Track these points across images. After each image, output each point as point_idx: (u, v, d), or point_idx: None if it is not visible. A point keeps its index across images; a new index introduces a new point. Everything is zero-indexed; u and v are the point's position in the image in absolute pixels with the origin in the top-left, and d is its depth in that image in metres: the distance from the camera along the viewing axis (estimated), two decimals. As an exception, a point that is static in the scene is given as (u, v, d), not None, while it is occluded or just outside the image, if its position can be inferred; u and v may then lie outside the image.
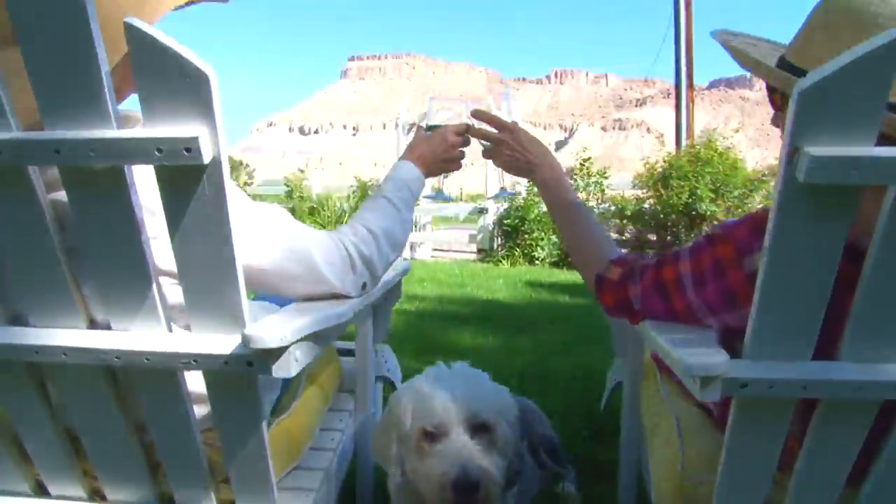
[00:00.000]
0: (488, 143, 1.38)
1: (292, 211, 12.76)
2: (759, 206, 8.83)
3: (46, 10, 0.71)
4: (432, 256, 11.87)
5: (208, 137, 0.75)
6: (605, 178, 9.91)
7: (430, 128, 1.41)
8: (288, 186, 13.13)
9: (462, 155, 1.39)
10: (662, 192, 8.54)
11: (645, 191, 9.22)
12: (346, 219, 11.69)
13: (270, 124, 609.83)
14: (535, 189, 8.89)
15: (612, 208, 9.60)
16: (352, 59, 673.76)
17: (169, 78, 0.73)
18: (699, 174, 8.34)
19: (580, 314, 4.54)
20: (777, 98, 0.98)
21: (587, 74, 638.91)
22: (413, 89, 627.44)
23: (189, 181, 0.78)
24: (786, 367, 0.84)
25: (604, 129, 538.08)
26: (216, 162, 0.77)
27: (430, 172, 1.35)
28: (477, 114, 1.39)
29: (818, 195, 0.73)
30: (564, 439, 2.07)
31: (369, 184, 12.08)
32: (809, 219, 0.75)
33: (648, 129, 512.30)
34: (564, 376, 2.84)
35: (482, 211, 10.40)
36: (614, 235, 9.75)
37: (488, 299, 5.38)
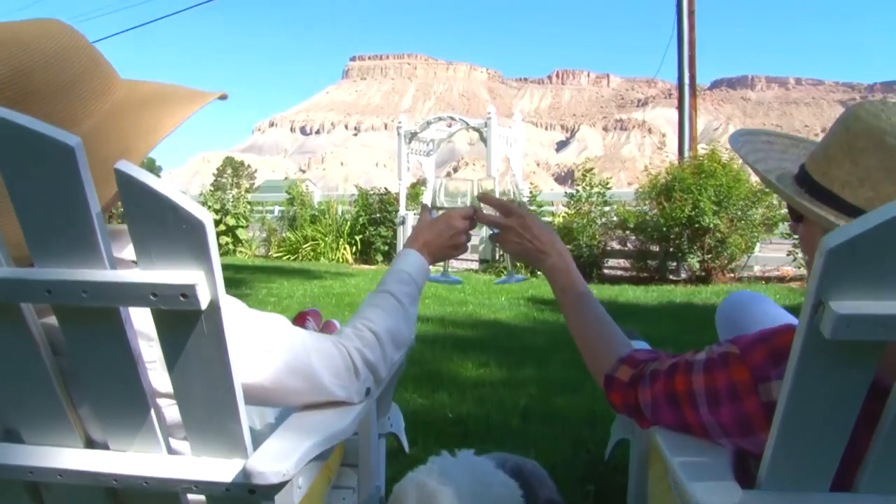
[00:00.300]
0: (496, 228, 1.35)
1: (293, 219, 12.75)
2: (760, 215, 8.84)
3: (34, 155, 0.68)
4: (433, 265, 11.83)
5: (205, 282, 0.72)
6: (608, 188, 9.87)
7: (436, 208, 1.38)
8: (289, 194, 13.11)
9: (469, 238, 1.36)
10: (665, 204, 8.50)
11: (648, 202, 9.18)
12: (346, 228, 11.69)
13: (272, 124, 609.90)
14: (536, 200, 8.81)
15: (615, 219, 9.58)
16: (353, 58, 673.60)
17: (163, 224, 0.70)
18: (702, 187, 8.31)
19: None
20: (796, 211, 0.95)
21: (588, 75, 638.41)
22: (414, 89, 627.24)
23: (186, 323, 0.75)
24: (802, 498, 0.81)
25: (605, 129, 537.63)
26: (214, 305, 0.74)
27: (435, 259, 1.32)
28: (484, 198, 1.35)
29: (842, 348, 0.70)
30: (567, 493, 2.04)
31: (370, 193, 12.04)
32: (832, 369, 0.72)
33: (650, 130, 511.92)
34: (570, 418, 2.81)
35: (484, 221, 10.34)
36: (616, 245, 9.73)
37: (491, 320, 5.35)
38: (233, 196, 13.25)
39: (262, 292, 6.64)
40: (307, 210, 12.57)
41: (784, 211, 8.97)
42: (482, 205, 1.35)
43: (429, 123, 11.18)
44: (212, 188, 13.72)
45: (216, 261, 0.72)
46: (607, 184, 9.87)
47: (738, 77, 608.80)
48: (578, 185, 9.83)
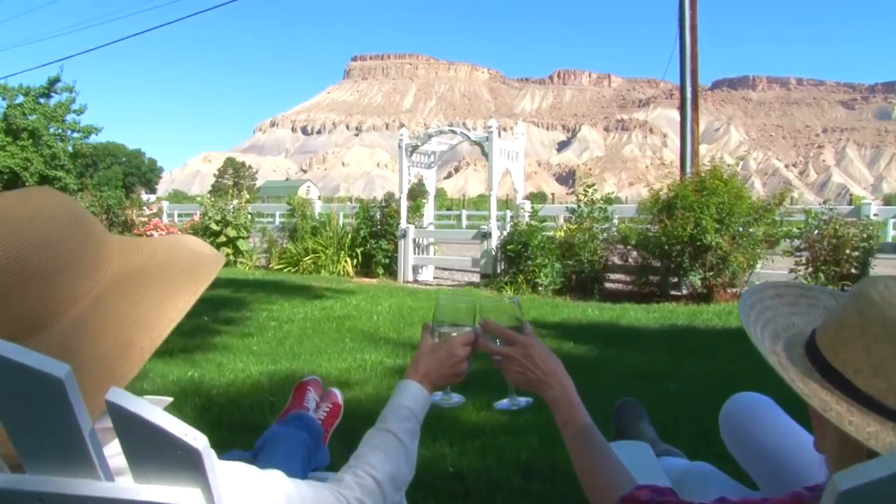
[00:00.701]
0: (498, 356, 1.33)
1: (294, 230, 12.72)
2: (762, 231, 8.80)
3: (24, 386, 0.66)
4: (435, 277, 11.83)
5: (202, 500, 0.70)
6: (610, 204, 9.86)
7: (438, 334, 1.36)
8: (290, 205, 13.09)
9: (469, 362, 1.34)
10: (667, 221, 8.48)
11: (650, 217, 9.16)
12: (347, 240, 11.66)
13: (273, 124, 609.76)
14: (538, 216, 8.79)
15: (617, 235, 9.56)
16: (355, 58, 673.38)
17: (158, 449, 0.68)
18: (704, 205, 8.29)
19: (588, 369, 4.47)
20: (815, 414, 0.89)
21: (590, 75, 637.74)
22: (416, 89, 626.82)
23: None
24: None
25: (606, 129, 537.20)
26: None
27: (435, 388, 1.31)
28: (486, 325, 1.34)
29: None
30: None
31: (372, 205, 12.02)
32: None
33: (651, 130, 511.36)
34: (573, 475, 2.77)
35: (485, 235, 10.34)
36: (618, 260, 9.70)
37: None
38: (234, 207, 13.23)
39: (263, 315, 6.62)
40: (308, 222, 12.55)
41: (785, 228, 8.95)
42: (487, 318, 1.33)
43: (430, 136, 11.17)
44: (211, 199, 13.69)
45: (214, 480, 0.70)
46: (609, 199, 9.85)
47: (739, 77, 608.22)
48: (581, 199, 9.81)
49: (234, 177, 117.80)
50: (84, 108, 20.48)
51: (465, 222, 32.40)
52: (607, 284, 9.85)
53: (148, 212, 16.62)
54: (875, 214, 8.49)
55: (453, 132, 11.17)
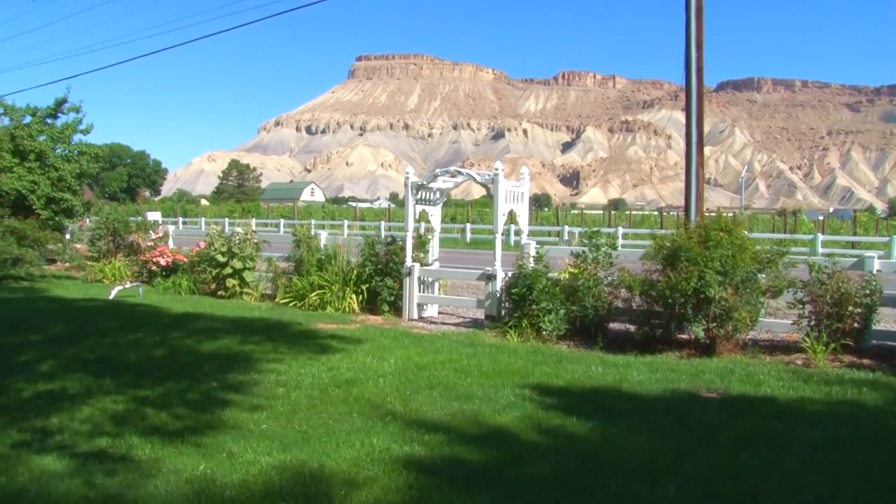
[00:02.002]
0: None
1: (300, 262, 12.81)
2: (764, 282, 8.87)
3: None
4: (440, 313, 11.91)
5: None
6: (615, 248, 9.93)
7: None
8: (296, 236, 13.19)
9: None
10: (671, 274, 8.55)
11: (653, 265, 9.22)
12: (353, 276, 11.76)
13: (277, 123, 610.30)
14: (543, 259, 8.93)
15: (618, 280, 9.62)
16: (359, 58, 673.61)
17: None
18: (708, 258, 8.35)
19: (591, 461, 4.54)
20: None
21: (594, 76, 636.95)
22: (420, 89, 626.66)
23: None
24: None
25: (611, 130, 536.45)
26: None
27: None
28: None
29: None
30: None
31: (377, 240, 12.12)
32: None
33: (656, 132, 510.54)
34: None
35: (490, 277, 10.42)
36: (622, 304, 9.76)
37: (495, 428, 5.38)
38: (239, 239, 13.34)
39: (271, 378, 6.70)
40: (314, 255, 12.65)
41: (789, 279, 8.98)
42: None
43: (436, 176, 11.28)
44: (217, 229, 13.80)
45: None
46: (614, 244, 9.93)
47: (744, 79, 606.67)
48: (585, 243, 9.88)
49: (238, 179, 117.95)
50: (91, 128, 20.63)
51: (468, 236, 32.50)
52: (612, 325, 9.91)
53: (154, 236, 16.74)
54: (878, 270, 8.54)
55: (459, 173, 11.28)
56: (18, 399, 6.01)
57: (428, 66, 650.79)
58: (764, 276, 8.79)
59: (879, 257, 25.91)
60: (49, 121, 19.25)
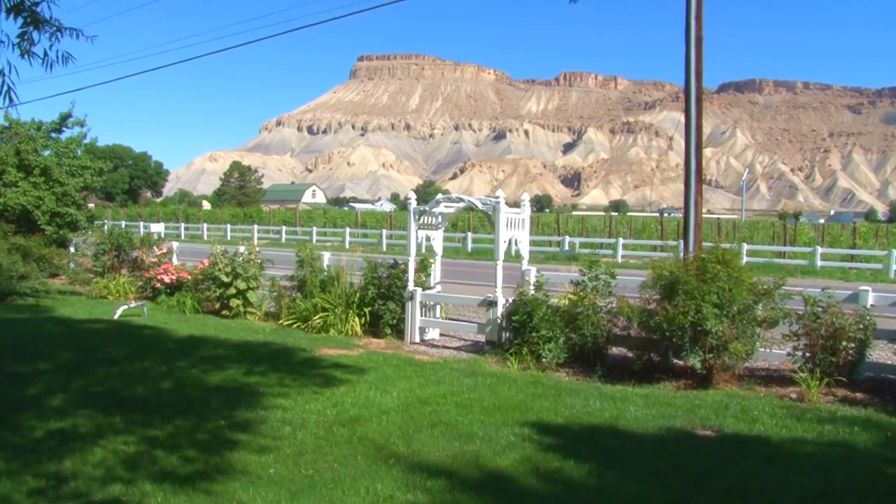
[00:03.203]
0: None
1: (303, 282, 12.99)
2: (761, 313, 9.03)
3: None
4: (442, 335, 12.07)
5: None
6: (613, 277, 10.08)
7: None
8: (299, 256, 13.34)
9: None
10: (668, 308, 8.70)
11: (651, 295, 9.37)
12: (356, 299, 11.91)
13: (279, 123, 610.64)
14: (543, 287, 9.15)
15: (617, 309, 9.77)
16: (361, 58, 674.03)
17: None
18: (705, 292, 8.50)
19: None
20: None
21: (596, 77, 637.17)
22: (422, 90, 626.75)
23: None
24: None
25: (612, 131, 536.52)
26: None
27: None
28: None
29: None
30: None
31: (380, 263, 12.28)
32: None
33: (657, 133, 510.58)
34: None
35: (491, 303, 10.59)
36: (620, 331, 9.92)
37: (495, 473, 5.52)
38: (243, 259, 13.51)
39: (277, 415, 6.86)
40: (317, 276, 12.81)
41: (786, 308, 9.13)
42: None
43: (438, 202, 11.44)
44: (221, 249, 13.95)
45: None
46: (613, 273, 10.09)
47: (745, 80, 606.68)
48: (584, 274, 10.03)
49: (239, 180, 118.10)
50: (95, 141, 20.83)
51: (470, 245, 32.66)
52: (611, 349, 10.06)
53: (158, 252, 16.89)
54: (872, 305, 8.69)
55: (461, 200, 11.44)
56: (31, 438, 6.17)
57: (430, 67, 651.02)
58: (761, 306, 8.95)
59: (877, 271, 25.92)
60: (54, 135, 19.44)
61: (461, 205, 11.66)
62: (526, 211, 11.12)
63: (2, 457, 5.62)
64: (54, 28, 4.90)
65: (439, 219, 11.74)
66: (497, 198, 10.61)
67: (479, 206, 10.84)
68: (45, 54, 4.82)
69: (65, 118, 19.33)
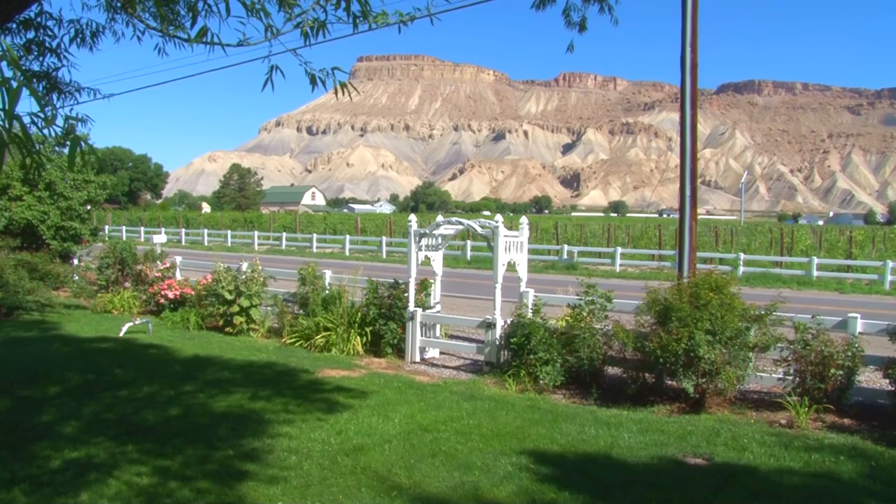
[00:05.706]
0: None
1: (305, 300, 13.23)
2: (753, 337, 9.29)
3: None
4: (442, 353, 12.31)
5: None
6: (609, 301, 10.33)
7: None
8: (301, 275, 13.58)
9: None
10: (662, 334, 8.95)
11: (647, 317, 9.63)
12: (357, 319, 12.16)
13: (278, 123, 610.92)
14: (541, 311, 9.43)
15: (613, 332, 10.02)
16: (360, 59, 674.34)
17: None
18: (698, 319, 8.75)
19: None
20: None
21: (595, 78, 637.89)
22: (421, 90, 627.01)
23: None
24: None
25: (611, 132, 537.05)
26: None
27: None
28: None
29: None
30: None
31: (381, 283, 12.52)
32: None
33: (656, 133, 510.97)
34: None
35: (490, 325, 10.83)
36: (616, 353, 10.17)
37: (495, 507, 5.77)
38: (246, 277, 13.75)
39: (283, 444, 7.09)
40: (319, 294, 13.05)
41: (777, 333, 9.38)
42: None
43: (438, 225, 11.68)
44: (224, 266, 14.19)
45: None
46: (610, 297, 10.33)
47: (744, 81, 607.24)
48: (582, 298, 10.28)
49: (239, 183, 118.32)
50: (100, 155, 21.05)
51: (469, 253, 32.91)
52: (608, 370, 10.31)
53: (161, 266, 17.12)
54: (861, 332, 8.94)
55: (460, 223, 11.68)
56: (48, 469, 6.40)
57: (429, 67, 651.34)
58: (753, 331, 9.20)
59: (873, 282, 26.08)
60: (58, 149, 19.65)
61: (460, 227, 11.91)
62: (524, 233, 11.38)
63: (22, 490, 5.85)
64: (73, 89, 5.11)
65: (439, 240, 11.98)
66: (496, 222, 10.86)
67: (479, 230, 11.09)
68: (67, 119, 5.04)
69: (69, 132, 19.52)
